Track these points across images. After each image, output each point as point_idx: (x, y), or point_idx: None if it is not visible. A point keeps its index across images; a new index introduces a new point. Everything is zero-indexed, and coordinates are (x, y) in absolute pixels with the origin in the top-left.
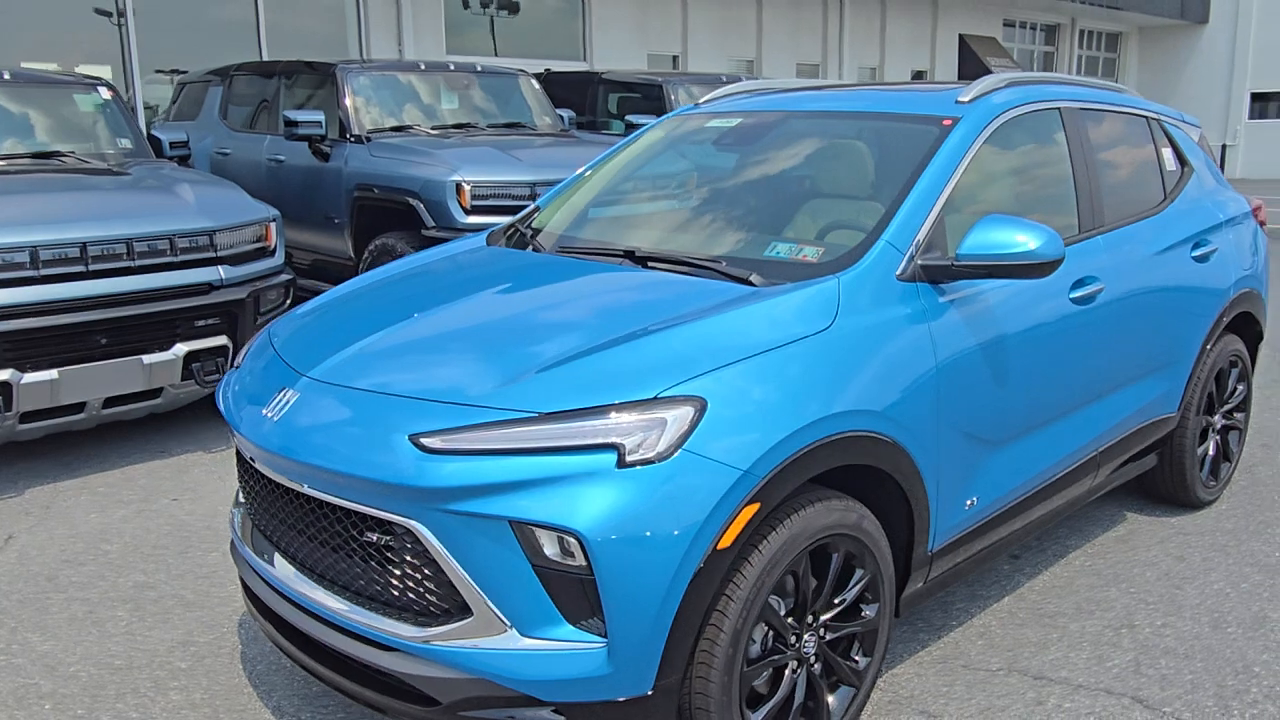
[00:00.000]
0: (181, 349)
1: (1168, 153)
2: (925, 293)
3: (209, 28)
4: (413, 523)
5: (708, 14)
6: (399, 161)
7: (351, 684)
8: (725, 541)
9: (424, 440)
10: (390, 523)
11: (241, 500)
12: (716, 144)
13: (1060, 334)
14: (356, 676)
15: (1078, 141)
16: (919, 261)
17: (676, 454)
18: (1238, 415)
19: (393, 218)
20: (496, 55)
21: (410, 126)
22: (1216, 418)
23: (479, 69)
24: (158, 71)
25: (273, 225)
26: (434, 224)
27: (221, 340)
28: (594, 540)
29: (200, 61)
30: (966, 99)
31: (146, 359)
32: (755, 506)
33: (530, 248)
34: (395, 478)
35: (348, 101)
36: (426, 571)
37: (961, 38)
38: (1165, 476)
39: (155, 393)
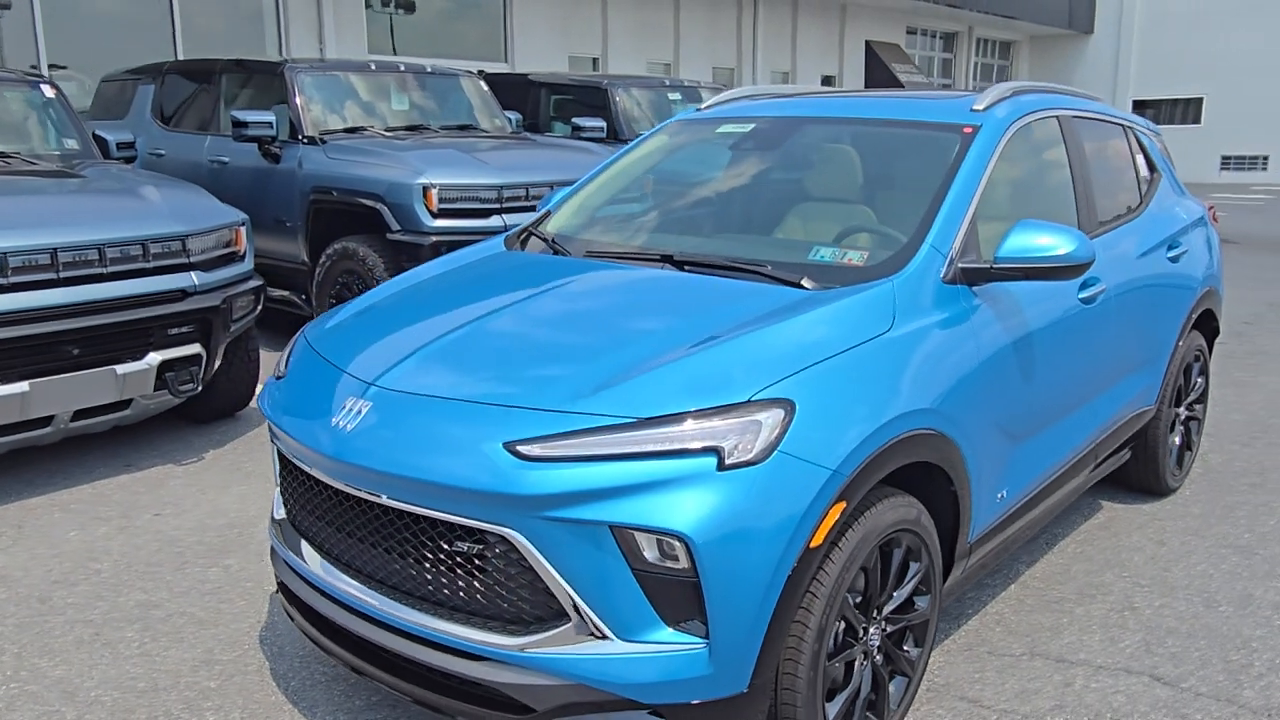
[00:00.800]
0: (155, 358)
1: (1140, 159)
2: (964, 295)
3: (120, 25)
4: (508, 530)
5: (626, 17)
6: (360, 164)
7: (432, 695)
8: (817, 540)
9: (521, 448)
10: (483, 531)
11: (280, 515)
12: (733, 149)
13: (1071, 331)
14: (437, 687)
15: (1075, 148)
16: (959, 265)
17: (773, 455)
18: (1198, 407)
19: (352, 221)
20: (421, 56)
21: (363, 128)
22: (1182, 409)
23: (429, 70)
24: (31, 68)
25: (242, 229)
26: (400, 228)
27: (195, 349)
28: (700, 542)
29: (113, 60)
30: (981, 107)
31: (120, 369)
32: (842, 505)
33: (555, 253)
34: (493, 486)
35: (299, 101)
36: (521, 579)
37: (868, 44)
38: (1140, 465)
39: (124, 404)
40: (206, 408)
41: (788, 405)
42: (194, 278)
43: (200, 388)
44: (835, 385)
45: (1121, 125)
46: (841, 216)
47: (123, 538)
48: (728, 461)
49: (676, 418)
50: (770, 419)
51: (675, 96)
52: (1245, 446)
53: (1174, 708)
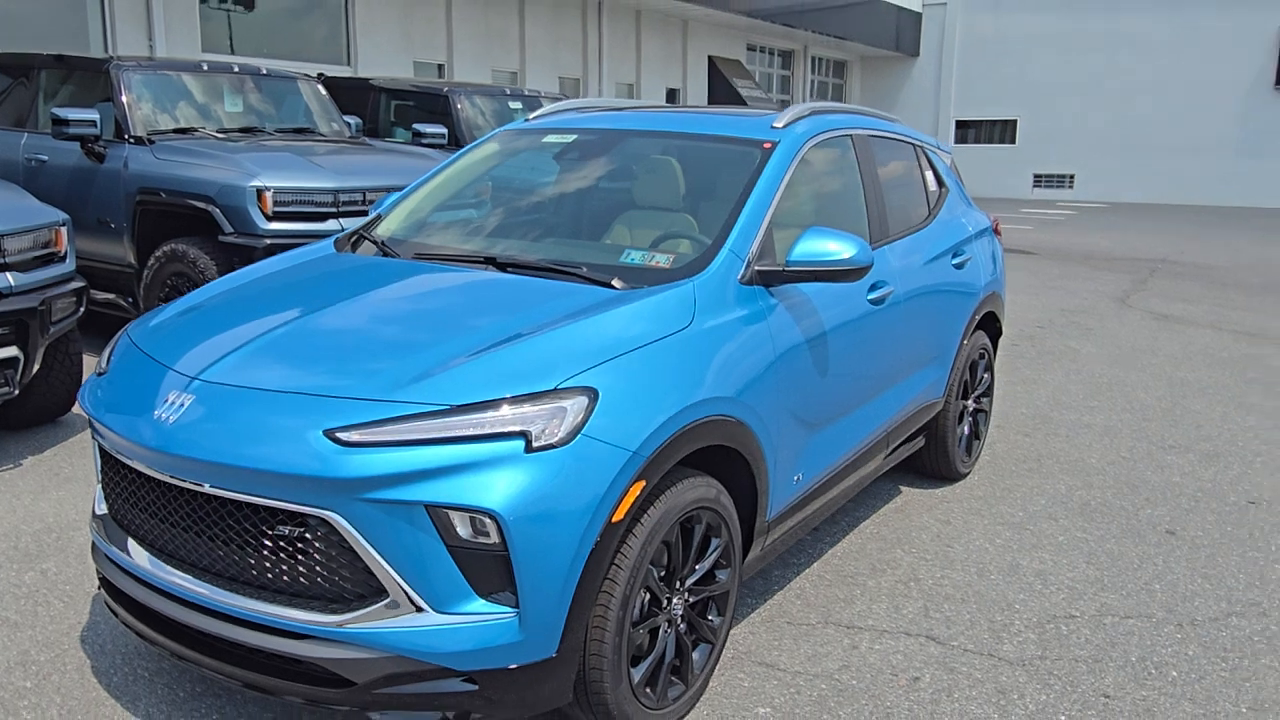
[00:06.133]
0: None
1: (930, 175)
2: (761, 294)
3: None
4: (328, 513)
5: (472, 24)
6: (190, 165)
7: (258, 676)
8: (618, 515)
9: (340, 434)
10: (304, 515)
11: (101, 511)
12: (557, 158)
13: (861, 330)
14: (261, 667)
15: (866, 164)
16: (755, 267)
17: (576, 439)
18: (985, 400)
19: (182, 223)
20: (258, 56)
21: (194, 129)
22: (970, 402)
23: (264, 71)
24: None
25: (63, 230)
26: (233, 230)
27: (12, 351)
28: (510, 518)
29: None
30: (780, 125)
31: None
32: (642, 483)
33: (384, 255)
34: (313, 470)
35: (125, 100)
36: (341, 559)
37: (711, 59)
38: (932, 453)
39: None
40: (24, 413)
41: (591, 393)
42: (9, 278)
43: (17, 391)
44: (636, 375)
45: (912, 144)
46: (653, 222)
47: None
48: (535, 444)
49: (488, 404)
50: (575, 405)
51: (516, 105)
52: (1027, 437)
53: (944, 662)
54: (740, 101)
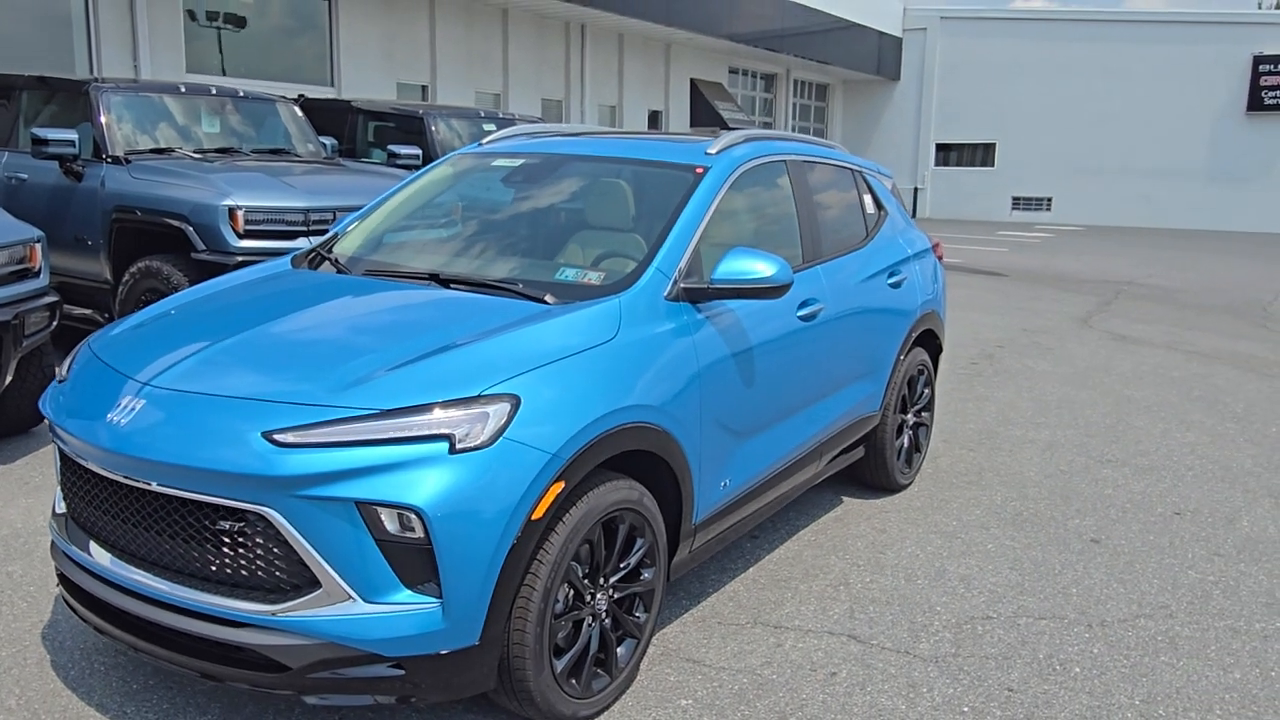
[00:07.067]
0: None
1: (868, 198)
2: (687, 310)
3: None
4: (265, 509)
5: (455, 46)
6: (164, 184)
7: (206, 664)
8: (538, 513)
9: (277, 436)
10: (243, 511)
11: (60, 510)
12: (505, 181)
13: (791, 345)
14: (208, 655)
15: (800, 188)
16: (682, 285)
17: (498, 441)
18: (925, 414)
19: (156, 240)
20: (242, 77)
21: (171, 149)
22: (909, 416)
23: (241, 93)
24: None
25: (38, 246)
26: (205, 248)
27: None
28: (433, 515)
29: None
30: (714, 151)
31: None
32: (561, 484)
33: (337, 271)
34: (251, 469)
35: (103, 120)
36: (277, 552)
37: (693, 82)
38: (870, 465)
39: None
40: None
41: (514, 399)
42: None
43: None
44: (559, 383)
45: (850, 169)
46: (591, 242)
47: None
48: (459, 446)
49: (415, 409)
50: (498, 410)
51: (490, 127)
52: (971, 451)
53: (861, 659)
54: (722, 123)
